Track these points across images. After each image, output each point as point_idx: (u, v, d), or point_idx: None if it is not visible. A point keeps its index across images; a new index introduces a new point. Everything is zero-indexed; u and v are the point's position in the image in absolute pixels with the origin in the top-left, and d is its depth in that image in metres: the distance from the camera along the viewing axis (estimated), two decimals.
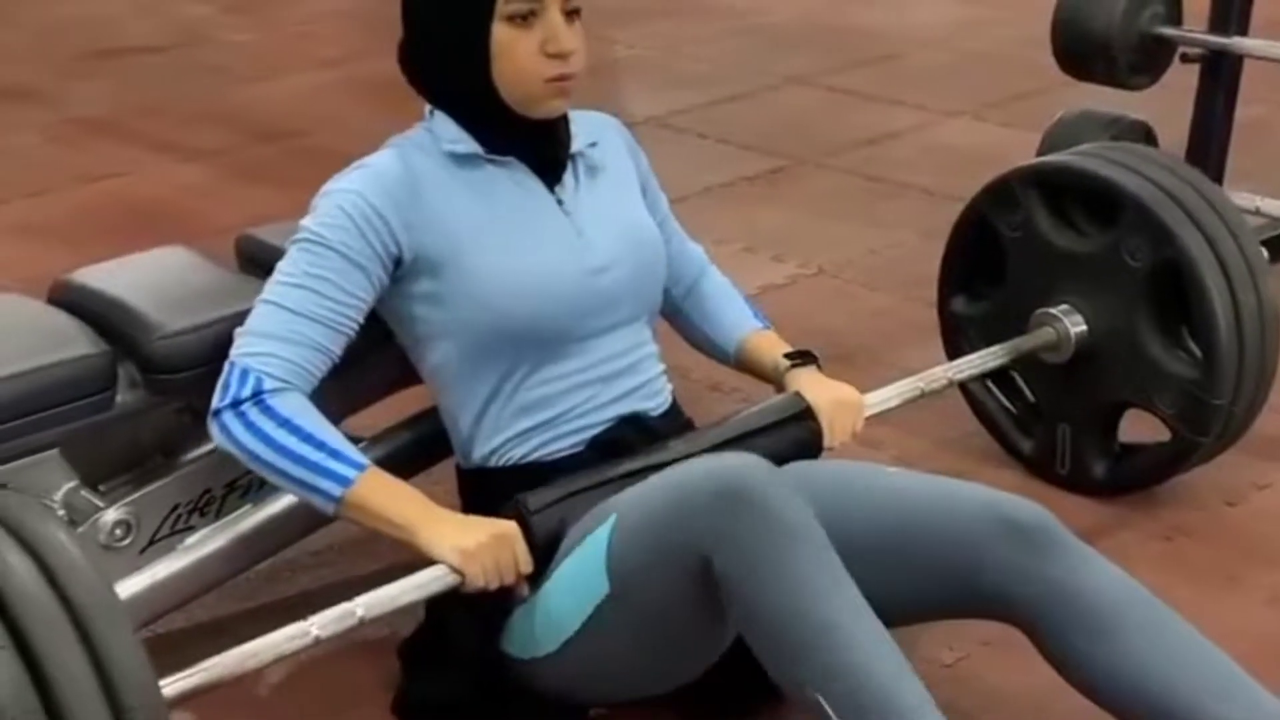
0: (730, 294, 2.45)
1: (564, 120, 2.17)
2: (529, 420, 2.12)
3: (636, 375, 2.19)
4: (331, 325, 2.05)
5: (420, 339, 2.15)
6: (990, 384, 2.81)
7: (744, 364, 2.40)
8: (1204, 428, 2.54)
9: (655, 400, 2.22)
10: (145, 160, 4.54)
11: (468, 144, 2.11)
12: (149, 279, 2.35)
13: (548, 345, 2.11)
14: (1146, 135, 3.52)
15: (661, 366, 2.26)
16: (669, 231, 2.37)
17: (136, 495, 2.22)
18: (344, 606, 1.88)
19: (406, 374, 2.43)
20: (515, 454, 2.13)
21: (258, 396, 2.00)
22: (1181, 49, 3.52)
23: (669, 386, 2.26)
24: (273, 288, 2.07)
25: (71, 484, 2.18)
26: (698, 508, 1.85)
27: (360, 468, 1.98)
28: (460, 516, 2.00)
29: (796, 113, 4.98)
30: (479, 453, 2.16)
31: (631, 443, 2.13)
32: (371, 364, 2.41)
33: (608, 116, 2.33)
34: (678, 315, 2.43)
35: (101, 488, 2.24)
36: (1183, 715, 1.87)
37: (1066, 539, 1.96)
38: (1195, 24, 3.56)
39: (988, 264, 2.76)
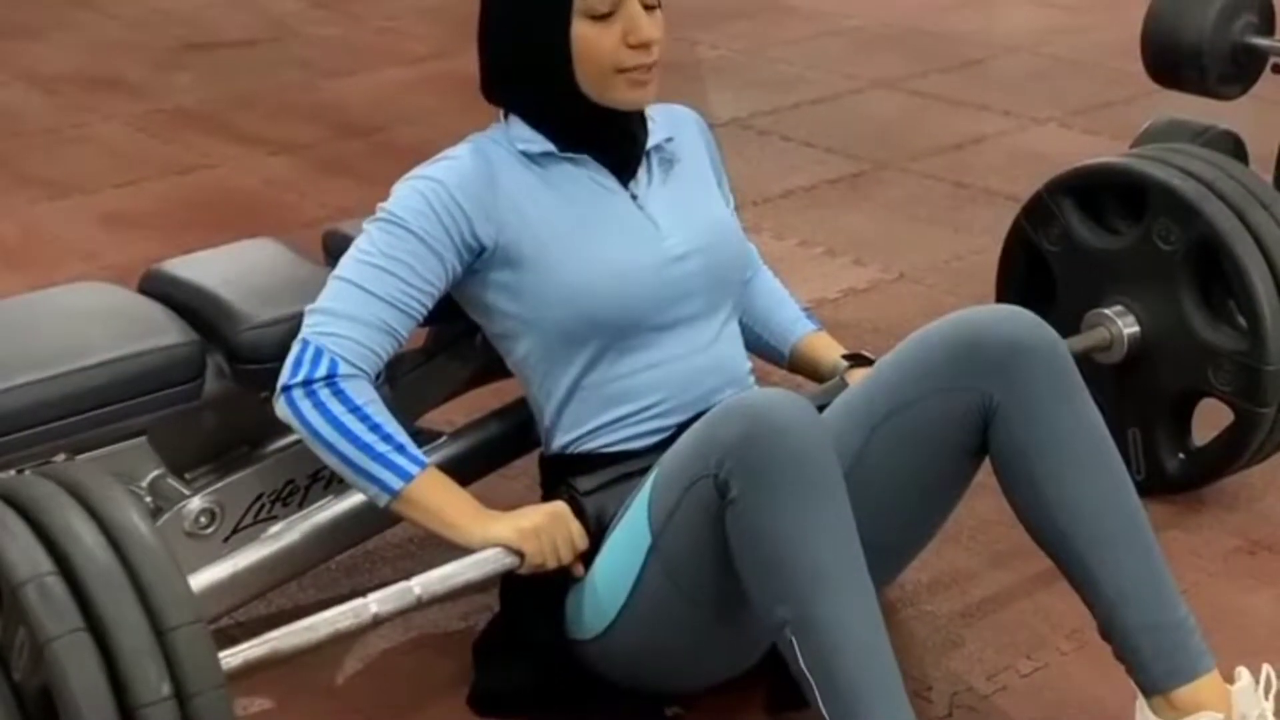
0: (781, 295, 2.47)
1: (641, 115, 2.18)
2: (612, 413, 2.14)
3: (721, 373, 2.19)
4: (404, 309, 2.08)
5: (505, 331, 2.17)
6: None
7: (799, 365, 2.41)
8: (1262, 397, 2.52)
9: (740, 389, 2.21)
10: (234, 153, 4.59)
11: (541, 143, 2.13)
12: (237, 270, 2.38)
13: (627, 336, 2.12)
14: (1236, 145, 3.48)
15: (749, 365, 2.26)
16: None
17: (221, 484, 2.24)
18: (402, 585, 1.90)
19: (483, 371, 2.46)
20: (596, 444, 2.15)
21: (330, 379, 2.02)
22: (1273, 60, 3.48)
23: (755, 386, 2.26)
24: (349, 265, 2.09)
25: (158, 471, 2.21)
26: (718, 435, 1.88)
27: (422, 465, 2.02)
28: (512, 512, 2.03)
29: (880, 116, 4.96)
30: (560, 441, 2.17)
31: None
32: (449, 361, 2.44)
33: (687, 109, 2.35)
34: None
35: (187, 476, 2.27)
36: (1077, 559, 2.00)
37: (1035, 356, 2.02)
38: None
39: (1038, 283, 2.76)
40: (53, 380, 2.09)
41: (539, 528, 1.99)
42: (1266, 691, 1.95)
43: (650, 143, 2.19)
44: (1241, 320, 2.55)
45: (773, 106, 4.98)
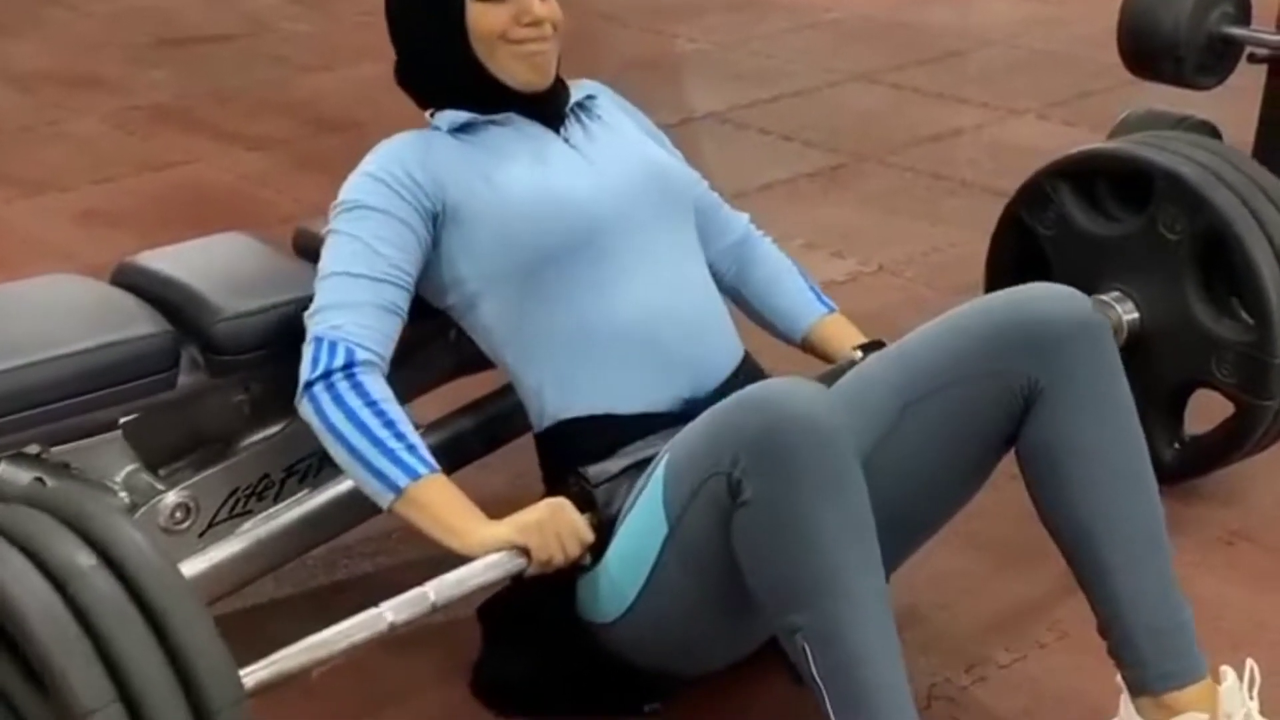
0: (786, 270, 2.45)
1: (560, 85, 2.24)
2: (589, 359, 2.11)
3: (689, 300, 2.17)
4: (396, 282, 2.09)
5: (469, 300, 2.16)
6: None
7: (813, 350, 2.40)
8: (1267, 390, 2.49)
9: (719, 343, 2.19)
10: (210, 149, 4.58)
11: (465, 116, 2.19)
12: (211, 263, 2.37)
13: (580, 263, 2.11)
14: (1213, 135, 3.48)
15: (724, 310, 2.24)
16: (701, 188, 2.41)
17: (196, 479, 2.23)
18: (416, 591, 1.87)
19: (455, 369, 2.45)
20: (586, 403, 2.11)
21: (349, 368, 2.01)
22: (1249, 49, 3.48)
23: (736, 336, 2.23)
24: (330, 261, 2.10)
25: (133, 466, 2.20)
26: (733, 429, 1.82)
27: (432, 469, 1.99)
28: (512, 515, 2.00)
29: (859, 109, 4.96)
30: (551, 408, 2.13)
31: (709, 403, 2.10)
32: (423, 358, 2.43)
33: (597, 83, 2.40)
34: (735, 293, 2.43)
35: (162, 471, 2.25)
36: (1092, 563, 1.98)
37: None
38: (1264, 24, 3.52)
39: (1031, 270, 2.72)
40: (25, 369, 2.07)
41: (541, 522, 1.95)
42: (1250, 686, 1.95)
43: (573, 100, 2.26)
44: (1246, 313, 2.51)
45: (751, 100, 4.98)
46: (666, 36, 5.52)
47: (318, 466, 2.29)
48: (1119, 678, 2.00)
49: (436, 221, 2.13)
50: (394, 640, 2.31)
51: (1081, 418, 1.98)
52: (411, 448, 1.99)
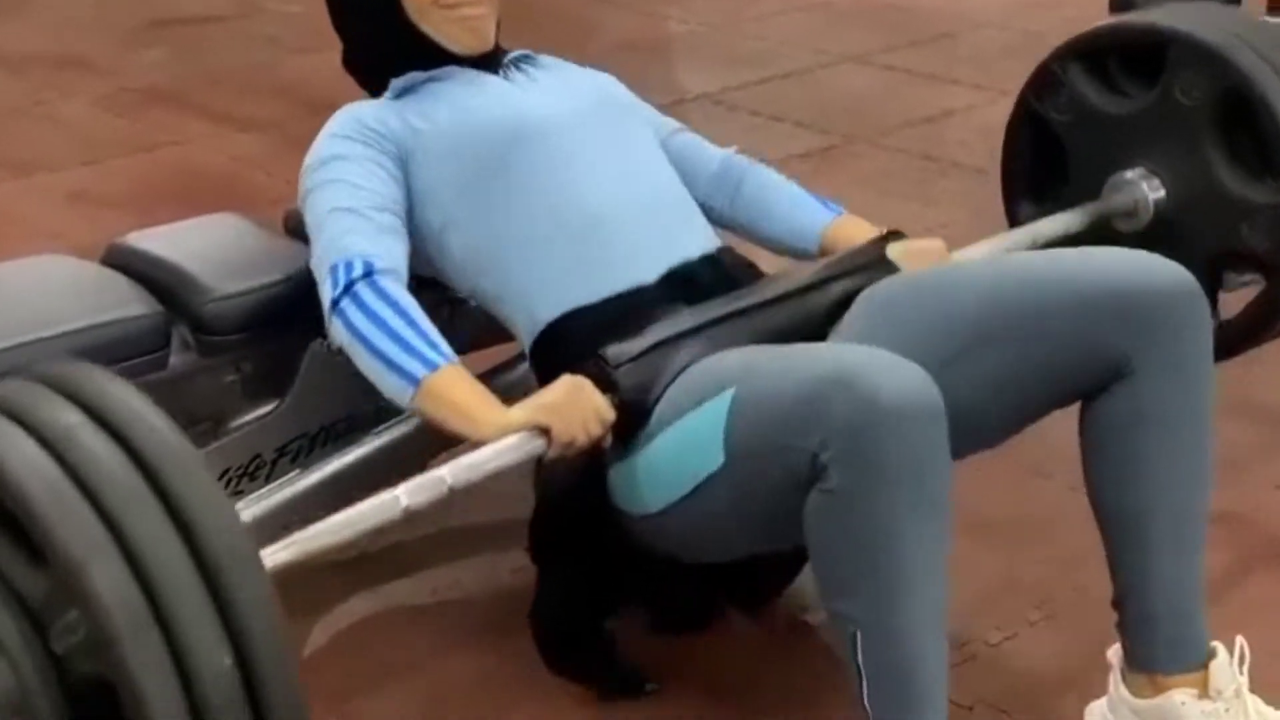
0: (780, 186, 2.41)
1: (499, 49, 2.28)
2: (561, 258, 2.09)
3: (649, 192, 2.18)
4: (393, 211, 2.11)
5: (441, 246, 2.15)
6: None
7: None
8: None
9: (690, 222, 2.20)
10: (201, 130, 4.57)
11: (409, 77, 2.23)
12: (201, 243, 2.37)
13: (534, 170, 2.13)
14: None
15: (694, 204, 2.25)
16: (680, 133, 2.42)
17: None
18: (433, 474, 1.79)
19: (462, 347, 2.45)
20: (566, 298, 2.08)
21: (369, 276, 2.00)
22: None
23: (711, 230, 2.23)
24: (321, 204, 2.10)
25: None
26: (825, 409, 1.70)
27: (449, 359, 1.95)
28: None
29: (851, 91, 4.96)
30: (538, 314, 2.10)
31: (694, 274, 2.10)
32: None
33: (606, 74, 2.42)
34: (735, 223, 2.39)
35: None
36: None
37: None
38: None
39: (1048, 162, 2.65)
40: (16, 350, 2.06)
41: (560, 403, 1.87)
42: (1240, 664, 1.96)
43: (510, 56, 2.30)
44: (1273, 174, 2.41)
45: (742, 81, 4.98)
46: (658, 18, 5.51)
47: (309, 447, 2.29)
48: (1110, 652, 2.01)
49: (402, 167, 2.15)
50: (393, 615, 2.34)
51: (1167, 393, 1.92)
52: (432, 344, 1.96)
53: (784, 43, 5.41)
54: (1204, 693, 1.93)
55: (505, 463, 1.84)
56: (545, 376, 2.03)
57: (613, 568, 2.11)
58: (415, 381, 1.92)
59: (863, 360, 1.75)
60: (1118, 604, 2.00)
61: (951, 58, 5.24)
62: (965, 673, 2.24)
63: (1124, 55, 2.55)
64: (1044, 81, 2.62)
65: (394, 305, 1.98)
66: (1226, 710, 1.93)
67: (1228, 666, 1.94)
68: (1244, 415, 2.87)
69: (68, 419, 1.45)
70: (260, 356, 2.24)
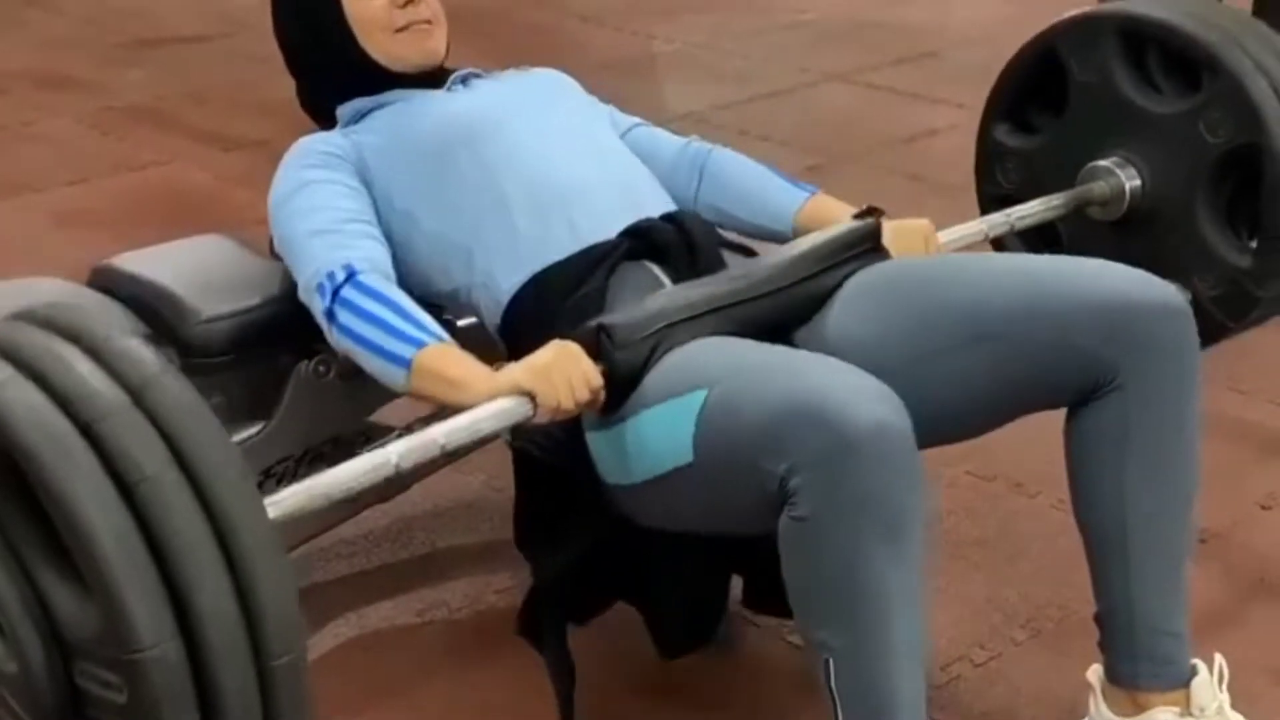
0: (752, 169, 2.40)
1: (443, 70, 2.32)
2: (516, 229, 2.11)
3: (596, 158, 2.22)
4: (369, 222, 2.15)
5: (407, 245, 2.17)
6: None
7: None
8: (1241, 316, 2.43)
9: (648, 185, 2.23)
10: (186, 149, 4.57)
11: (357, 104, 2.28)
12: (188, 265, 2.36)
13: (482, 157, 2.17)
14: None
15: (650, 175, 2.27)
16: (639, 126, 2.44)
17: None
18: (426, 434, 1.79)
19: None
20: (525, 268, 2.09)
21: (351, 277, 2.03)
22: None
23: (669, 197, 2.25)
24: (294, 230, 2.13)
25: None
26: (793, 423, 1.69)
27: (439, 337, 1.97)
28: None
29: (835, 110, 4.97)
30: (501, 287, 2.11)
31: (653, 229, 2.10)
32: None
33: (554, 70, 2.45)
34: (707, 207, 2.35)
35: None
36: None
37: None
38: None
39: (1044, 98, 2.63)
40: None
41: (548, 365, 1.85)
42: (1220, 681, 1.97)
43: (457, 74, 2.33)
44: (1249, 239, 2.42)
45: (728, 100, 4.98)
46: (643, 37, 5.52)
47: (294, 469, 2.29)
48: (1090, 672, 2.01)
49: (361, 179, 2.19)
50: (379, 636, 2.33)
51: (1153, 411, 1.92)
52: (419, 324, 1.99)
53: (768, 61, 5.42)
54: (1186, 710, 1.94)
55: (494, 427, 1.85)
56: (515, 347, 2.04)
57: (602, 547, 2.06)
58: (406, 363, 1.96)
59: (835, 385, 1.73)
60: (1100, 620, 2.00)
61: (935, 76, 5.26)
62: (950, 692, 2.25)
63: (1168, 53, 2.49)
64: (1080, 33, 2.57)
65: (379, 297, 2.02)
66: None
67: (1209, 684, 1.95)
68: (1229, 434, 2.88)
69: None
70: (246, 379, 2.24)
